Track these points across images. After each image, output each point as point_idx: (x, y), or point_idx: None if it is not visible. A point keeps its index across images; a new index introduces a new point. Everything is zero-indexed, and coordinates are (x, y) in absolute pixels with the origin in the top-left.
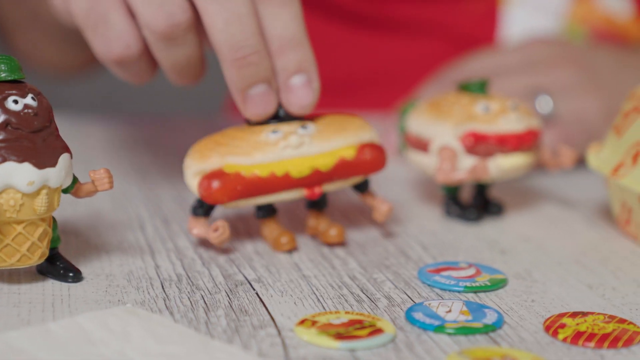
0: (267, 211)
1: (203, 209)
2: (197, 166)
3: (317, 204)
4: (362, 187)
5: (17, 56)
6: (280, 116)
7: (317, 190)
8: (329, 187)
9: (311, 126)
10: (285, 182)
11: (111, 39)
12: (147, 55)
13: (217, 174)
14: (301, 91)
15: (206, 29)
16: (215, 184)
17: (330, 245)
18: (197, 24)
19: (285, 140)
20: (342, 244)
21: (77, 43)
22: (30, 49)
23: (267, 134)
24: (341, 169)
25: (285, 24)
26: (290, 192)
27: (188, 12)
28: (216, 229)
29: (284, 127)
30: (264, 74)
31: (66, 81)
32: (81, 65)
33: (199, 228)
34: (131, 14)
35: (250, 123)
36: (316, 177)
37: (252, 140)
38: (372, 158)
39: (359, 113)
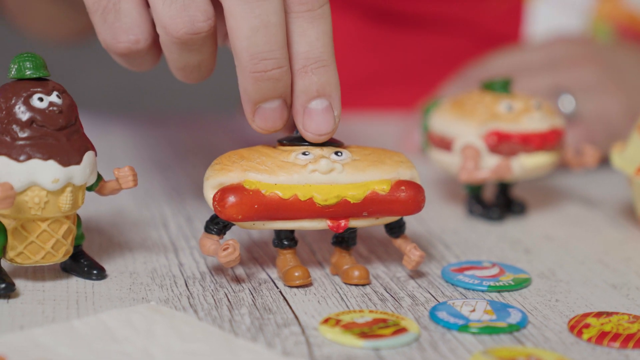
0: (287, 240)
1: (217, 226)
2: (216, 179)
3: (344, 241)
4: (395, 230)
5: (9, 22)
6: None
7: (344, 223)
8: (357, 223)
9: (346, 154)
10: (308, 209)
11: (120, 30)
12: (155, 50)
13: (235, 189)
14: (320, 117)
15: (229, 31)
16: (232, 198)
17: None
18: (217, 27)
19: (315, 164)
20: (366, 285)
21: (69, 11)
22: (23, 15)
23: (297, 154)
24: (372, 204)
25: (313, 42)
26: (313, 221)
27: (211, 20)
28: (226, 247)
29: (317, 151)
30: (282, 90)
31: (60, 48)
32: (72, 34)
33: (208, 246)
34: (146, 4)
35: (283, 143)
36: (343, 209)
37: (279, 158)
38: (408, 197)
39: (381, 111)
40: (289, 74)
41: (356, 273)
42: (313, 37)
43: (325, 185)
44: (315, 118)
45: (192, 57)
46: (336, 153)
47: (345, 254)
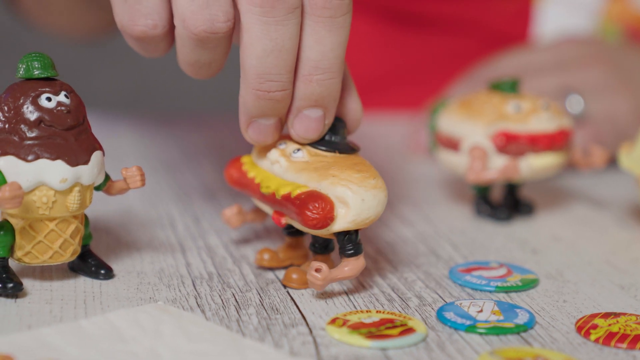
0: (317, 245)
1: None
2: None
3: (321, 249)
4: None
5: (24, 18)
6: (324, 139)
7: (283, 220)
8: (294, 224)
9: (304, 154)
10: (258, 192)
11: (139, 13)
12: (170, 39)
13: (235, 160)
14: (312, 124)
15: (242, 45)
16: (228, 165)
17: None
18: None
19: (275, 152)
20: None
21: (90, 5)
22: (39, 10)
23: (282, 143)
24: (282, 205)
25: (326, 52)
26: (264, 205)
27: (230, 22)
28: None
29: (292, 145)
30: (281, 111)
31: (76, 46)
32: (90, 31)
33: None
34: None
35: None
36: (273, 201)
37: (271, 145)
38: (296, 208)
39: (389, 111)
40: (290, 97)
41: (294, 276)
42: (328, 47)
43: (272, 176)
44: (305, 123)
45: (205, 54)
46: (296, 150)
47: (320, 257)
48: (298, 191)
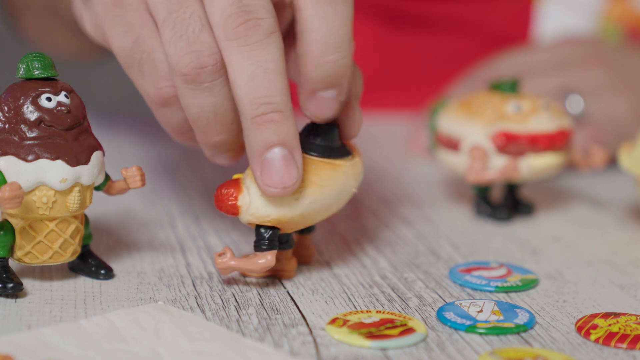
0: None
1: None
2: None
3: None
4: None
5: (24, 36)
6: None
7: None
8: None
9: None
10: None
11: (160, 77)
12: None
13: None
14: (325, 104)
15: (230, 83)
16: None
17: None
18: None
19: None
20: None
21: (90, 44)
22: (41, 33)
23: None
24: None
25: (333, 28)
26: None
27: (216, 55)
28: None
29: None
30: (285, 136)
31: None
32: (93, 52)
33: None
34: None
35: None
36: None
37: None
38: (216, 190)
39: (389, 111)
40: (292, 122)
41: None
42: (334, 23)
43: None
44: (320, 104)
45: (204, 99)
46: None
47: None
48: (233, 177)
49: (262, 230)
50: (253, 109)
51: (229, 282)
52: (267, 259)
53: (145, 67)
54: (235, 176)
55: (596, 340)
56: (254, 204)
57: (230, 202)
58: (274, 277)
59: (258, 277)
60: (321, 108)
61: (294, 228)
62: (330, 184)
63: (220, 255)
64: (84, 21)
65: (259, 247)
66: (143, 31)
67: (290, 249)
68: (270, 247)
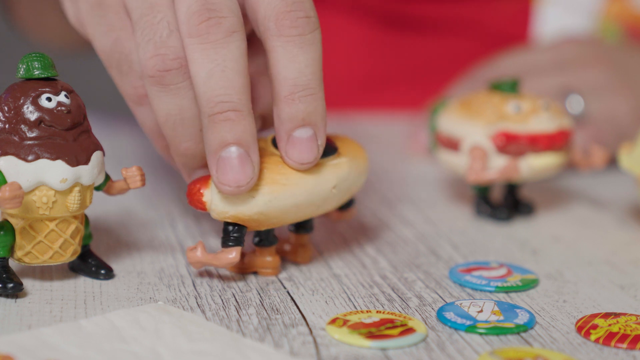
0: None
1: None
2: None
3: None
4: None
5: (19, 26)
6: None
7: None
8: None
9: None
10: None
11: (136, 76)
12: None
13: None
14: (304, 146)
15: (192, 80)
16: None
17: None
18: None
19: None
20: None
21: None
22: (36, 22)
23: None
24: None
25: (302, 69)
26: None
27: (180, 59)
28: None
29: None
30: (241, 135)
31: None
32: (84, 45)
33: None
34: None
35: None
36: None
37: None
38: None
39: (389, 111)
40: (250, 122)
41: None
42: (302, 64)
43: None
44: (298, 147)
45: (170, 100)
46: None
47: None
48: None
49: (229, 228)
50: (210, 106)
51: (229, 282)
52: (232, 255)
53: (124, 67)
54: None
55: (596, 340)
56: (215, 201)
57: (196, 198)
58: (257, 274)
59: (238, 272)
60: (301, 151)
61: (261, 226)
62: (297, 182)
63: (192, 249)
64: (69, 15)
65: (225, 243)
66: (122, 33)
67: (271, 246)
68: (236, 244)
